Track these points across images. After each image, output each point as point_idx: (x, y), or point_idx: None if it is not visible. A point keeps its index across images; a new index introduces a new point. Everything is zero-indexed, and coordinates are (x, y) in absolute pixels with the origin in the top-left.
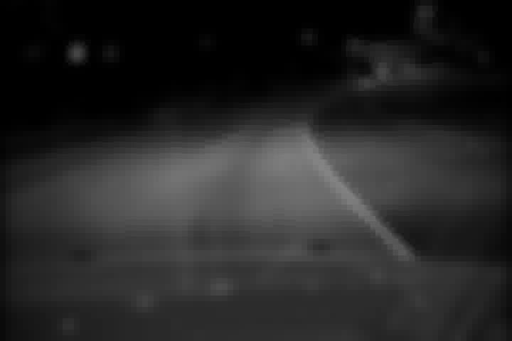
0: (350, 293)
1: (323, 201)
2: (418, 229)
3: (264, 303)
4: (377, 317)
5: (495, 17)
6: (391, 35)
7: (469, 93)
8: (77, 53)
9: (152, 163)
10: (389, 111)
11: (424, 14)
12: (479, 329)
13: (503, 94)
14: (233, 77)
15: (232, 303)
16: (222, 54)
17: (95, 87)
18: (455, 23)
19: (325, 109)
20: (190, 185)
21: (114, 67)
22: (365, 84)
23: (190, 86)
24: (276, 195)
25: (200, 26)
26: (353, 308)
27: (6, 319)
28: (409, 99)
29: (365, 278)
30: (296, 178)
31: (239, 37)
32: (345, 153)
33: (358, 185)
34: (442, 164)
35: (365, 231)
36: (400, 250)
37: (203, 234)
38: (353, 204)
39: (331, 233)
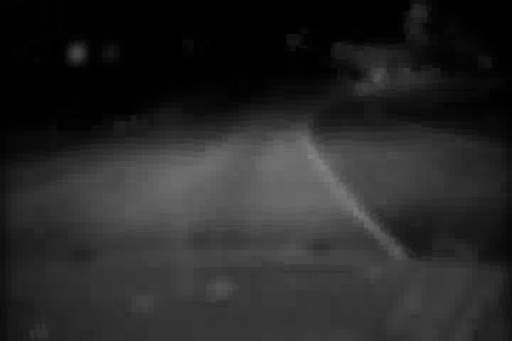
0: (350, 293)
1: (318, 200)
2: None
3: (264, 303)
4: (377, 317)
5: (495, 17)
6: (386, 38)
7: (469, 97)
8: (77, 53)
9: (152, 166)
10: (389, 113)
11: (420, 14)
12: (479, 329)
13: (503, 95)
14: (228, 77)
15: (232, 303)
16: (218, 55)
17: (95, 87)
18: (454, 24)
19: (325, 111)
20: (191, 185)
21: (114, 67)
22: (362, 87)
23: (190, 86)
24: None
25: (196, 28)
26: (353, 308)
27: (6, 319)
28: (407, 104)
29: (365, 278)
30: (294, 178)
31: (232, 39)
32: (344, 153)
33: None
34: (440, 164)
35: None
36: (393, 245)
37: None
38: (347, 200)
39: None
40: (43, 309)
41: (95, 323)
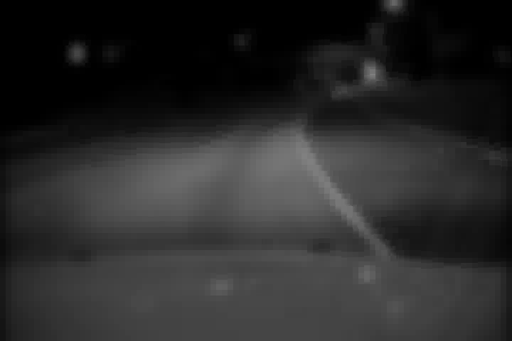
0: (350, 293)
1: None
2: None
3: (263, 303)
4: (376, 318)
5: (482, 10)
6: (353, 37)
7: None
8: (77, 53)
9: None
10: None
11: (392, 8)
12: (479, 329)
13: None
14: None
15: (231, 303)
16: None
17: (93, 87)
18: (433, 21)
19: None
20: None
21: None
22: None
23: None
24: None
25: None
26: (353, 308)
27: (6, 319)
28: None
29: (365, 278)
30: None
31: (169, 38)
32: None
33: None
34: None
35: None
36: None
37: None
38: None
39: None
40: (43, 309)
41: (95, 323)
